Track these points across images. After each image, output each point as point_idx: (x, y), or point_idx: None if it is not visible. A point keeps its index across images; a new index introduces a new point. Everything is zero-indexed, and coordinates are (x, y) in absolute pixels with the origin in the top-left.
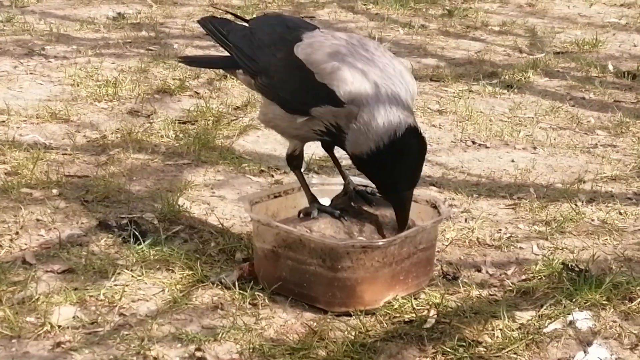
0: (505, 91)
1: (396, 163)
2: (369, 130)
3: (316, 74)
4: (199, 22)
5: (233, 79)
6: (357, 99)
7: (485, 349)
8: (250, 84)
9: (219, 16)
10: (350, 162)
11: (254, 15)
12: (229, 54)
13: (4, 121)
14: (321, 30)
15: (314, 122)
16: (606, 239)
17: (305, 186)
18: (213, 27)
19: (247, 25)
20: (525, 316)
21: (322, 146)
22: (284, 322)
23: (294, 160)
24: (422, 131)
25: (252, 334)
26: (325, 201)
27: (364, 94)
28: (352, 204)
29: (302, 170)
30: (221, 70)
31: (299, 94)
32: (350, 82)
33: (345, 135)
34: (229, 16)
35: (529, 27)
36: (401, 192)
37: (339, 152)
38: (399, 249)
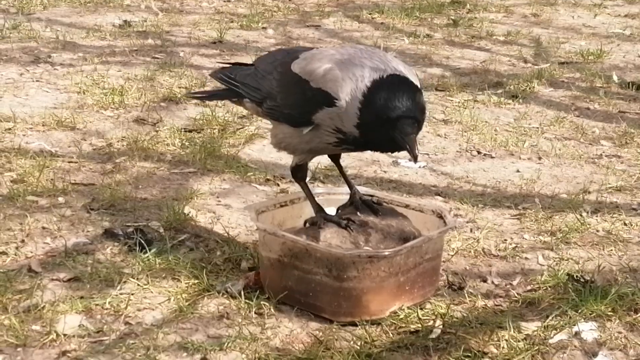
0: (510, 101)
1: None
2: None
3: (311, 82)
4: (210, 75)
5: None
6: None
7: None
8: (257, 111)
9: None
10: (356, 171)
11: (260, 25)
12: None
13: (10, 129)
14: (317, 48)
15: (321, 133)
16: (611, 250)
17: (310, 196)
18: (223, 75)
19: (252, 65)
20: (530, 327)
21: (328, 155)
22: (290, 331)
23: (299, 172)
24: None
25: (257, 344)
26: (332, 211)
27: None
28: (359, 213)
29: (307, 179)
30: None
31: (299, 105)
32: (342, 78)
33: (351, 133)
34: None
35: (534, 37)
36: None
37: (344, 161)
38: (405, 259)
